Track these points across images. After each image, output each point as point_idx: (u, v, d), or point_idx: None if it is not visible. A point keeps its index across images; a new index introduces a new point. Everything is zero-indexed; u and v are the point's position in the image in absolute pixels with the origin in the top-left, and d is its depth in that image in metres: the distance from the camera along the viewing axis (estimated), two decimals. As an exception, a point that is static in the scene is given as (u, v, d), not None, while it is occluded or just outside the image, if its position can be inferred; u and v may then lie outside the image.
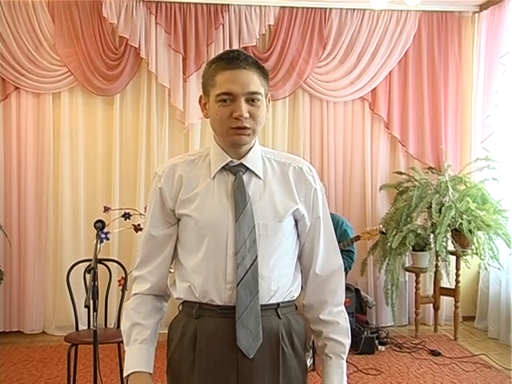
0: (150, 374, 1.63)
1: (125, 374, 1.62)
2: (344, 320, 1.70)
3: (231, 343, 1.57)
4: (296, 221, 1.68)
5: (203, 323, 1.61)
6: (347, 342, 1.69)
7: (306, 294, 1.72)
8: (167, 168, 1.68)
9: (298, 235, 1.70)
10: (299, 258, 1.72)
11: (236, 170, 1.63)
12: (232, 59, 1.57)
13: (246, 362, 1.58)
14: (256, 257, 1.58)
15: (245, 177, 1.64)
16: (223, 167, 1.64)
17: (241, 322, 1.56)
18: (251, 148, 1.66)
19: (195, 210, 1.62)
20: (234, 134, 1.59)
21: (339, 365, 1.67)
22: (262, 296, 1.59)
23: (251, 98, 1.57)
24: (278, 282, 1.62)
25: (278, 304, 1.63)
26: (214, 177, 1.64)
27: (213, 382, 1.60)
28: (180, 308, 1.70)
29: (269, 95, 1.66)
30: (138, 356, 1.62)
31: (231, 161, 1.64)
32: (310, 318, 1.73)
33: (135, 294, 1.70)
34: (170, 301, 1.76)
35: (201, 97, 1.67)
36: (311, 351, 4.14)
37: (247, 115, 1.56)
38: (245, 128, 1.57)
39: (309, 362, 4.11)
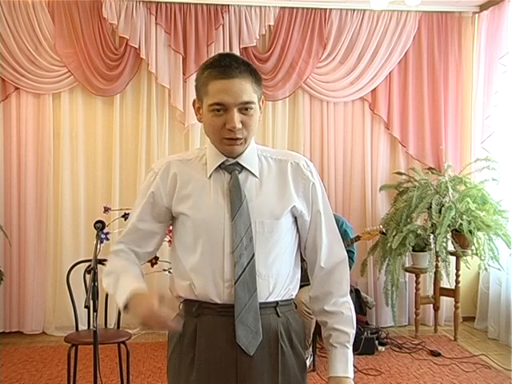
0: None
1: (122, 304, 1.52)
2: (349, 310, 1.71)
3: (231, 341, 1.58)
4: (295, 217, 1.69)
5: (203, 321, 1.62)
6: (352, 331, 1.69)
7: (313, 286, 1.73)
8: (164, 165, 1.69)
9: (298, 231, 1.71)
10: (304, 252, 1.73)
11: (232, 169, 1.65)
12: (224, 68, 1.57)
13: (246, 360, 1.59)
14: (253, 255, 1.59)
15: (241, 175, 1.64)
16: (219, 166, 1.65)
17: (240, 320, 1.57)
18: (246, 147, 1.66)
19: (192, 208, 1.63)
20: (226, 145, 1.61)
21: (344, 353, 1.67)
22: (260, 294, 1.60)
23: (244, 108, 1.58)
24: (276, 279, 1.63)
25: (277, 302, 1.64)
26: (210, 176, 1.65)
27: (212, 379, 1.60)
28: (180, 307, 1.71)
29: (262, 97, 1.67)
30: (128, 282, 1.57)
31: (227, 160, 1.65)
32: (315, 310, 1.74)
33: (109, 256, 1.71)
34: (170, 300, 1.76)
35: (194, 100, 1.68)
36: (311, 349, 4.14)
37: (240, 126, 1.57)
38: (237, 139, 1.59)
39: (308, 361, 4.10)
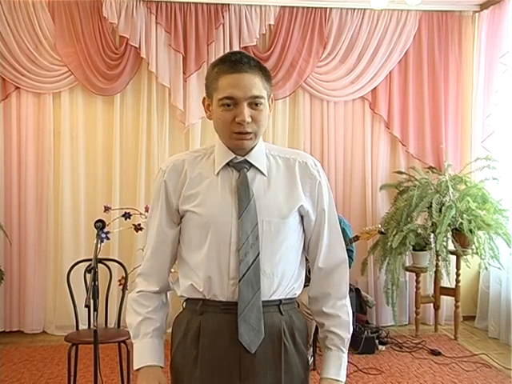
0: (162, 367, 1.64)
1: (136, 367, 1.63)
2: (346, 314, 1.71)
3: (234, 339, 1.58)
4: (302, 216, 1.68)
5: (206, 319, 1.62)
6: (347, 336, 1.69)
7: (311, 286, 1.73)
8: (171, 163, 1.69)
9: (304, 230, 1.71)
10: (307, 251, 1.73)
11: (240, 167, 1.64)
12: (234, 63, 1.57)
13: (249, 358, 1.59)
14: (258, 253, 1.59)
15: (249, 173, 1.64)
16: (227, 163, 1.64)
17: (243, 318, 1.57)
18: (255, 145, 1.66)
19: (198, 205, 1.62)
20: (236, 139, 1.60)
21: (338, 357, 1.67)
22: (264, 292, 1.60)
23: (254, 102, 1.58)
24: (281, 278, 1.63)
25: (281, 301, 1.64)
26: (218, 173, 1.64)
27: (216, 377, 1.61)
28: (184, 305, 1.71)
29: (272, 95, 1.67)
30: (150, 349, 1.64)
31: (235, 157, 1.65)
32: (314, 311, 1.74)
33: (141, 291, 1.69)
34: (173, 299, 1.76)
35: (204, 98, 1.68)
36: (311, 349, 4.14)
37: (249, 120, 1.57)
38: (247, 133, 1.59)
39: (310, 361, 4.10)
